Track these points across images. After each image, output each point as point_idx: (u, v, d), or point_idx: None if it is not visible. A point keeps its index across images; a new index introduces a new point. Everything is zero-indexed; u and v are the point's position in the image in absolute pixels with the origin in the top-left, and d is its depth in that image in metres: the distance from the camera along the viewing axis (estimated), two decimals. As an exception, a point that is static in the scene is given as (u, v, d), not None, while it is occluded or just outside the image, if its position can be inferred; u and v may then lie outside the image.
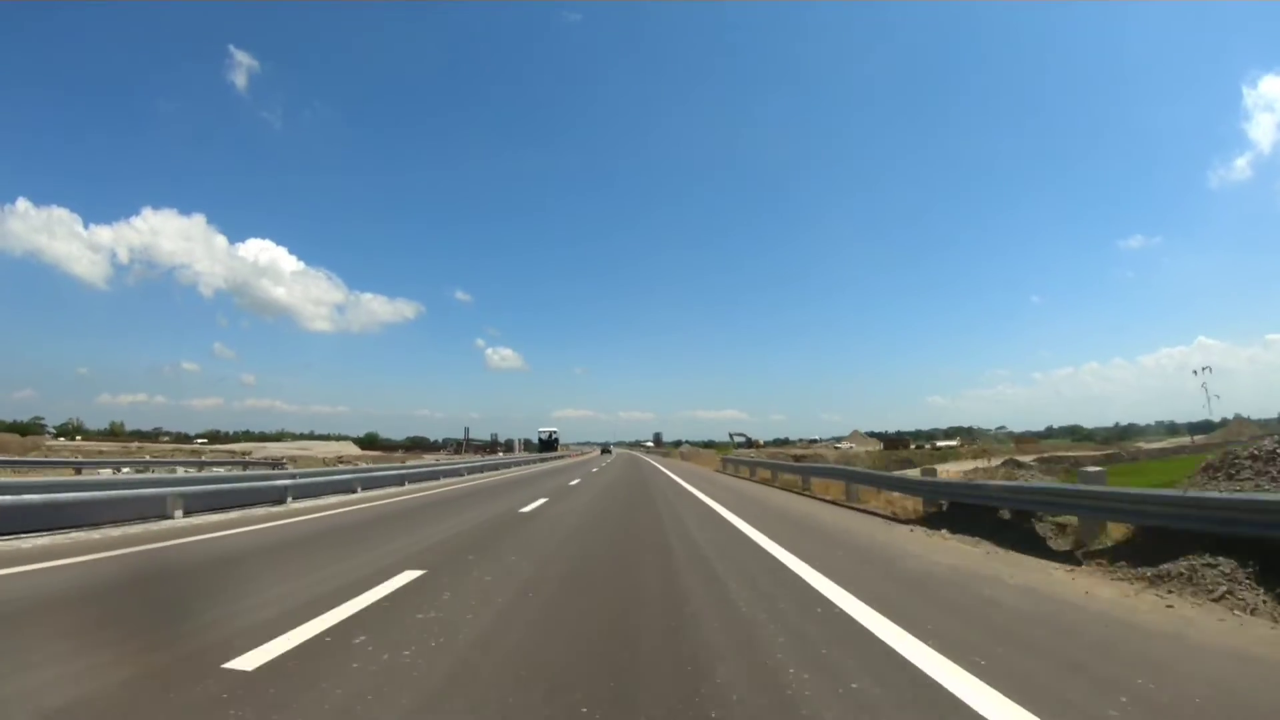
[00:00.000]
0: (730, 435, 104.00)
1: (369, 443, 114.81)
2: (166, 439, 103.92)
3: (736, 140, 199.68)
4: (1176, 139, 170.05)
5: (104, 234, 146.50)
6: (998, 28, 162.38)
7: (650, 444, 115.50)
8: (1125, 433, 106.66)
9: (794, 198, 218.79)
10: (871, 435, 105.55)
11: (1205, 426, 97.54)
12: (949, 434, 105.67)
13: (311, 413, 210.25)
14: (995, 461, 78.97)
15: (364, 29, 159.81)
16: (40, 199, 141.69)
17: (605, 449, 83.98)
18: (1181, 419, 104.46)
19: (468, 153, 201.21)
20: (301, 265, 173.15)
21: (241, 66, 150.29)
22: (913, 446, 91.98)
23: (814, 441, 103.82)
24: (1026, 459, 78.01)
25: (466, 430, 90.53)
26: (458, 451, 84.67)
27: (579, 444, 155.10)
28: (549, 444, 69.88)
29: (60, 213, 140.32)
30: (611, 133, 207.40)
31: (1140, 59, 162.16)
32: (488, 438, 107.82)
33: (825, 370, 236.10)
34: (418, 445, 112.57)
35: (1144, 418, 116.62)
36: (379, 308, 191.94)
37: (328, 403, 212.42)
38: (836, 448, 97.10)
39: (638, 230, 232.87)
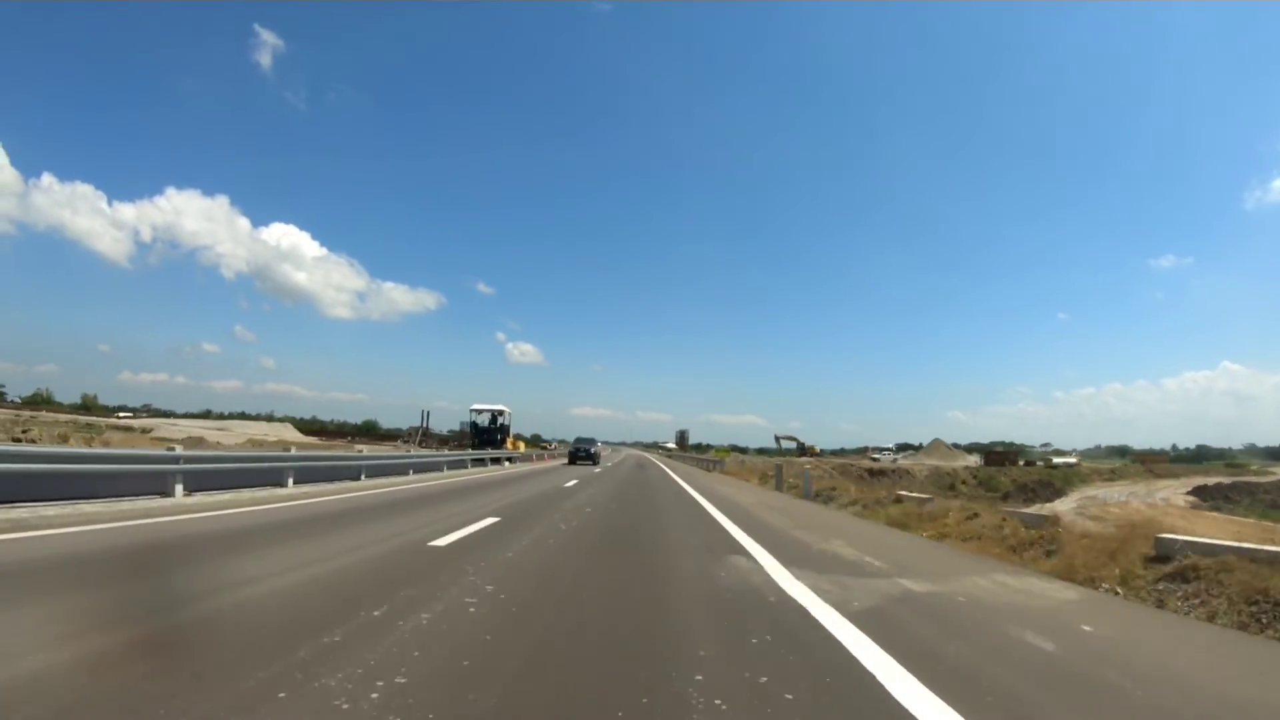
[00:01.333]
0: (777, 439, 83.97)
1: (366, 430, 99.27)
2: (144, 414, 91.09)
3: (758, 143, 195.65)
4: (1213, 156, 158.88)
5: (127, 211, 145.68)
6: (1028, 37, 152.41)
7: (672, 445, 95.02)
8: (1203, 455, 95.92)
9: (817, 205, 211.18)
10: (957, 446, 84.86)
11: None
12: (1035, 452, 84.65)
13: (330, 399, 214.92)
14: (1160, 488, 57.98)
15: (389, 12, 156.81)
16: (65, 174, 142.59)
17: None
18: (1205, 444, 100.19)
19: (492, 142, 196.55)
20: (324, 251, 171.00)
21: (266, 45, 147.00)
22: (1021, 463, 71.28)
23: (889, 451, 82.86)
24: (1210, 482, 56.99)
25: (425, 415, 71.69)
26: (409, 441, 66.28)
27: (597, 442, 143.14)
28: (488, 434, 36.34)
29: (84, 188, 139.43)
30: (638, 128, 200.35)
31: (1178, 71, 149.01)
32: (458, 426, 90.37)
33: (844, 379, 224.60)
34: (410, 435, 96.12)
35: (1167, 441, 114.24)
36: (400, 297, 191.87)
37: (347, 390, 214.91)
38: (890, 459, 76.60)
39: (659, 231, 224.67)
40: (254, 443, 55.74)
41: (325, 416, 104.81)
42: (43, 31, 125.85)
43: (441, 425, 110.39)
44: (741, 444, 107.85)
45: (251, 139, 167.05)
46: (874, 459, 76.43)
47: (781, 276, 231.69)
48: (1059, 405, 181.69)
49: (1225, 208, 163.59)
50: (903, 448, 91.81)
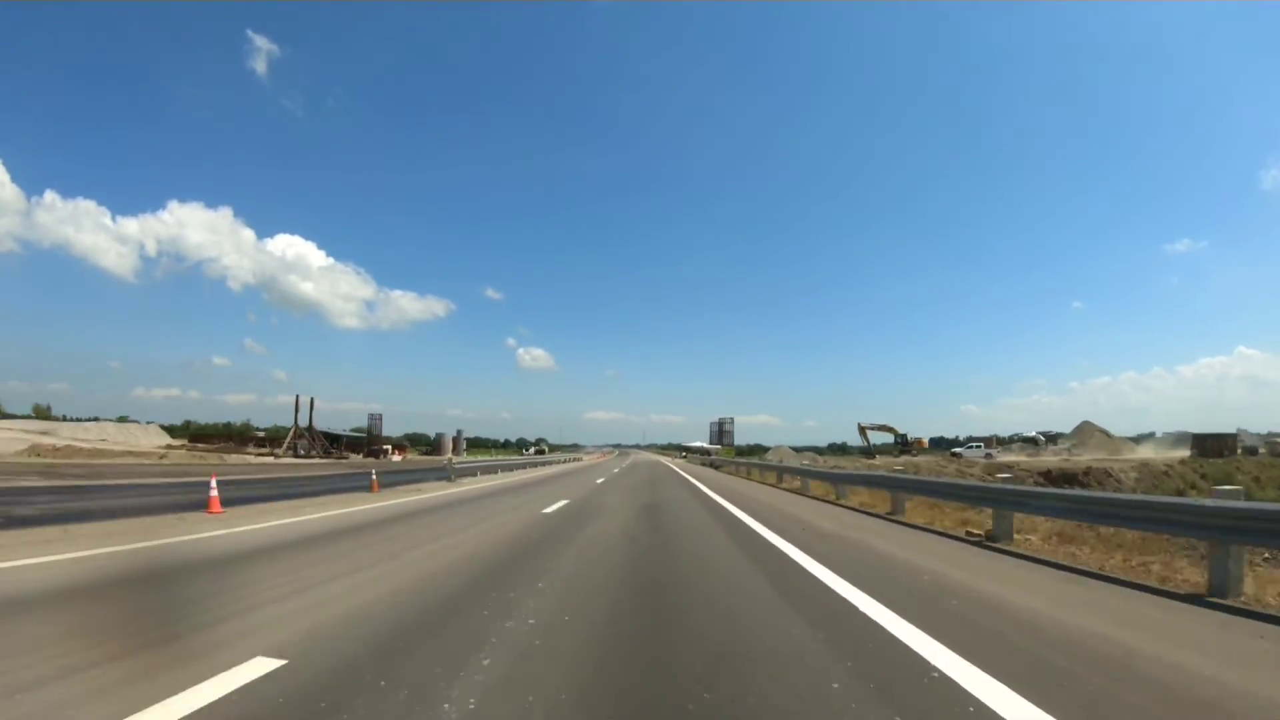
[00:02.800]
0: (862, 430, 60.74)
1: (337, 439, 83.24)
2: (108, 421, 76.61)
3: (772, 146, 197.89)
4: (1230, 136, 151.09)
5: (131, 226, 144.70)
6: (1041, 21, 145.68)
7: (709, 446, 70.44)
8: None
9: (828, 206, 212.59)
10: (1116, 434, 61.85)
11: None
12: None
13: (343, 409, 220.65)
14: None
15: (383, 14, 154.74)
16: (67, 190, 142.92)
17: None
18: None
19: (495, 146, 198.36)
20: (330, 260, 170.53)
21: (261, 52, 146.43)
22: (1239, 451, 48.56)
23: (978, 446, 59.29)
24: None
25: (311, 405, 51.55)
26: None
27: (602, 447, 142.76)
28: None
29: (87, 204, 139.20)
30: (648, 133, 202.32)
31: (1189, 50, 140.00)
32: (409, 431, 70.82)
33: (859, 377, 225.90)
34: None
35: (1186, 428, 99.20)
36: (409, 305, 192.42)
37: (359, 400, 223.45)
38: (981, 454, 53.82)
39: (670, 234, 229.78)
40: (34, 450, 34.88)
41: (340, 427, 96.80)
42: (35, 48, 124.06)
43: (469, 432, 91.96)
44: (767, 444, 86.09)
45: (251, 149, 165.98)
46: (955, 454, 53.58)
47: (794, 278, 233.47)
48: (1074, 395, 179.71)
49: (1242, 189, 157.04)
50: (1029, 439, 68.02)
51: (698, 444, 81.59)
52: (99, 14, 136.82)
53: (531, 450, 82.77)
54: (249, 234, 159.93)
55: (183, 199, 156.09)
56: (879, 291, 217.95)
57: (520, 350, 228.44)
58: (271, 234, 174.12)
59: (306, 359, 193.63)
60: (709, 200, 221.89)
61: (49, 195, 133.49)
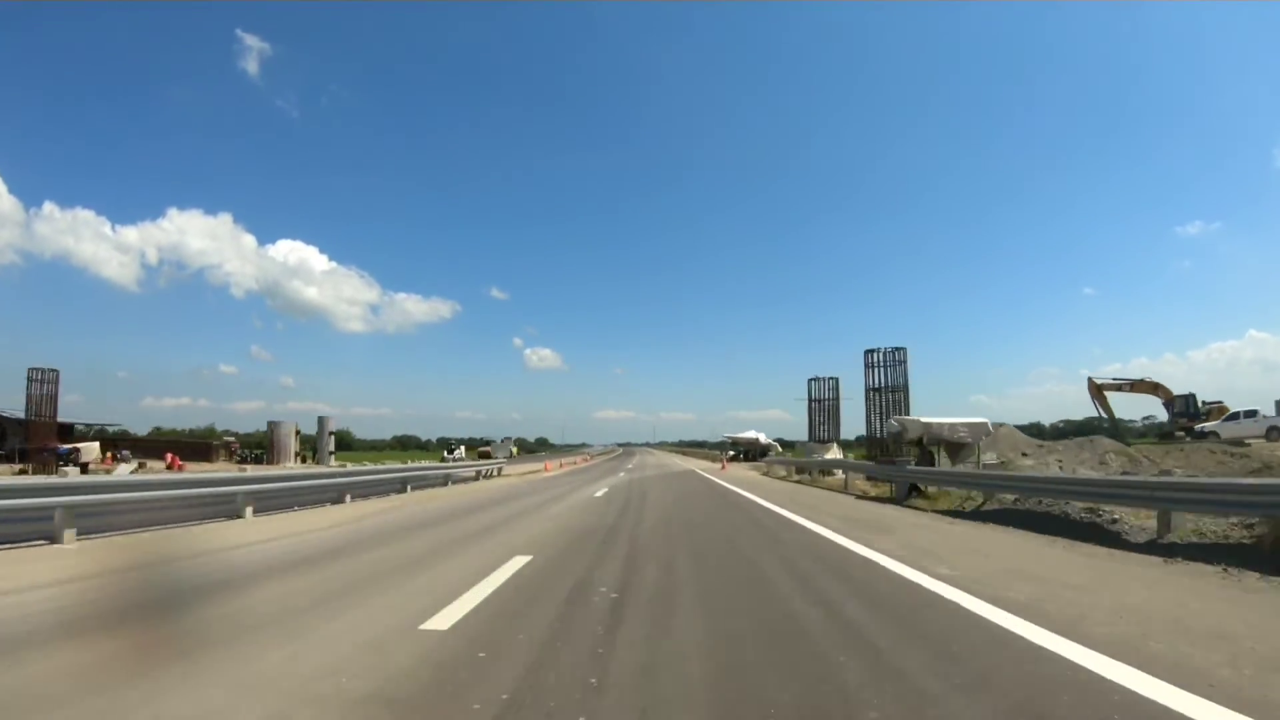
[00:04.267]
0: (1096, 389, 34.24)
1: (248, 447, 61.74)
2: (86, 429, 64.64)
3: (782, 145, 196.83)
4: (1243, 115, 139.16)
5: (131, 235, 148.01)
6: (1045, 11, 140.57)
7: (830, 448, 30.90)
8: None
9: (838, 206, 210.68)
10: None
11: None
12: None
13: (353, 415, 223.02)
14: None
15: (382, 8, 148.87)
16: (65, 201, 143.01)
17: None
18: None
19: (500, 145, 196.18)
20: (333, 264, 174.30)
21: (252, 51, 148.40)
22: None
23: (1249, 417, 32.24)
24: None
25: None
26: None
27: (592, 448, 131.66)
28: None
29: (86, 214, 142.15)
30: (656, 132, 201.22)
31: (1198, 23, 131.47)
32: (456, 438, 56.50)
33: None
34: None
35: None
36: (414, 307, 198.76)
37: (370, 405, 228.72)
38: (1258, 427, 28.73)
39: (677, 232, 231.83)
40: None
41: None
42: (23, 61, 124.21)
43: (475, 433, 64.02)
44: (788, 438, 63.37)
45: (247, 153, 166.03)
46: (1193, 430, 29.17)
47: (800, 277, 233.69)
48: (1084, 383, 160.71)
49: (1255, 169, 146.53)
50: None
51: (752, 434, 50.83)
52: (87, 20, 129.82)
53: (461, 450, 51.59)
54: (250, 239, 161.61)
55: (181, 206, 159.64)
56: (891, 290, 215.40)
57: (527, 350, 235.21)
58: (272, 239, 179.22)
59: (313, 364, 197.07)
60: (717, 199, 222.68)
61: (48, 206, 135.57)
